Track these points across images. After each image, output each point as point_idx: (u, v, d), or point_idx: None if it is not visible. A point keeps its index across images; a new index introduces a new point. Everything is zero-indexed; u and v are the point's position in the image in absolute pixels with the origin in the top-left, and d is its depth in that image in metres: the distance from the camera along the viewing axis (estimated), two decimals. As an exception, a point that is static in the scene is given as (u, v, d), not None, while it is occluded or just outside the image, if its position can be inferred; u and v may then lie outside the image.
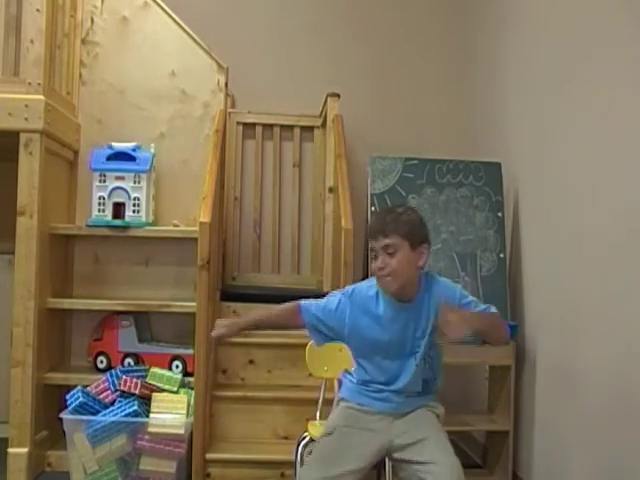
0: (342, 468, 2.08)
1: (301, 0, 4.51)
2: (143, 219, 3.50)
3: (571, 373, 2.73)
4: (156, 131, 3.73)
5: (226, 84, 3.79)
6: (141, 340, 3.48)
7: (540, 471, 3.02)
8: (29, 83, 3.17)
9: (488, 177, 3.47)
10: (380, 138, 4.23)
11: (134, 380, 3.09)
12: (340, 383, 2.46)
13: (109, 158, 3.50)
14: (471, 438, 3.70)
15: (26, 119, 3.14)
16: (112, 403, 3.08)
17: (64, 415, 3.04)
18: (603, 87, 2.60)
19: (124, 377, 3.10)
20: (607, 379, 2.48)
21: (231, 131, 4.21)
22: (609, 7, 2.59)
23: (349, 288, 2.29)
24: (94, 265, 3.69)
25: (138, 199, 3.49)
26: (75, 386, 3.14)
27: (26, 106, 3.14)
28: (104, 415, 3.02)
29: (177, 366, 3.41)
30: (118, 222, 3.46)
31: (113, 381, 3.12)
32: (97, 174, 3.49)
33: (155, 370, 3.19)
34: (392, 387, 2.20)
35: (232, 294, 3.75)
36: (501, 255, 3.37)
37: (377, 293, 2.22)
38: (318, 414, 2.68)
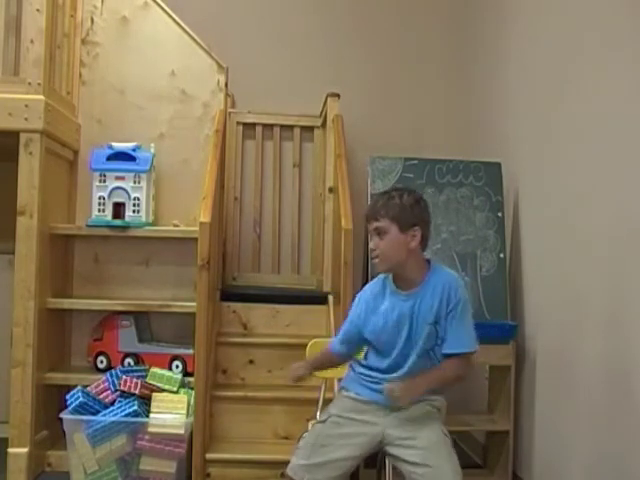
0: (329, 456, 2.16)
1: (301, 0, 4.52)
2: (143, 219, 3.50)
3: (571, 373, 2.73)
4: (156, 131, 3.73)
5: (226, 84, 3.78)
6: (141, 340, 3.48)
7: (540, 471, 3.02)
8: (29, 83, 3.17)
9: (488, 177, 3.47)
10: (380, 138, 4.23)
11: (134, 380, 3.09)
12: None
13: (109, 158, 3.50)
14: (471, 438, 3.70)
15: (26, 119, 3.14)
16: (112, 403, 3.08)
17: (64, 415, 3.04)
18: (603, 87, 2.60)
19: (124, 377, 3.10)
20: (607, 379, 2.48)
21: (231, 131, 4.21)
22: (609, 7, 2.59)
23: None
24: (94, 265, 3.69)
25: (138, 199, 3.49)
26: (75, 386, 3.14)
27: (26, 106, 3.13)
28: (104, 415, 3.02)
29: (177, 366, 3.40)
30: (118, 222, 3.46)
31: (113, 381, 3.11)
32: (97, 174, 3.49)
33: (155, 370, 3.19)
34: (391, 376, 2.20)
35: (232, 294, 3.75)
36: (501, 255, 3.37)
37: (384, 283, 2.27)
38: (318, 414, 2.67)
